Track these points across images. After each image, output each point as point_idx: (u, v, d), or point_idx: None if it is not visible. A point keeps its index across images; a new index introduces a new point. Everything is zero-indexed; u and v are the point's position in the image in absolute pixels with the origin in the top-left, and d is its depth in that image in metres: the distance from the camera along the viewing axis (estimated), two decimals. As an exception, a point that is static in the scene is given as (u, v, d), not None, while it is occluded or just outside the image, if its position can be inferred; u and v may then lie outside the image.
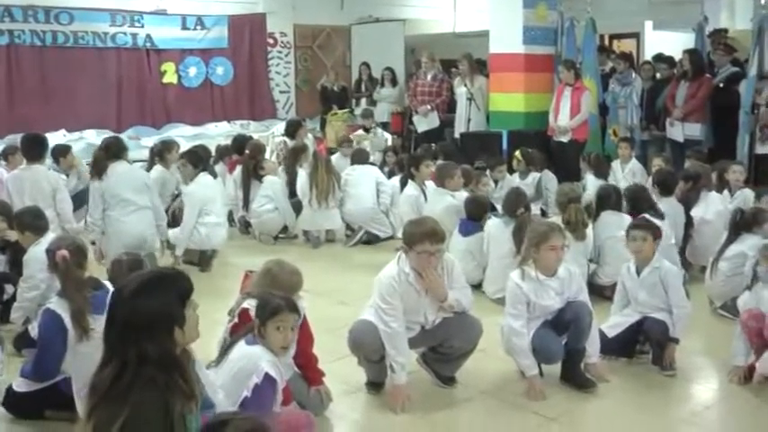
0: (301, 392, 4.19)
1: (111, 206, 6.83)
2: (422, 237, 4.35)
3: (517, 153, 9.38)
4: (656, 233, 5.03)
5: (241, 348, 3.67)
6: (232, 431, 2.54)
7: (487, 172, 8.81)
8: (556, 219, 6.10)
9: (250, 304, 3.99)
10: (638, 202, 6.49)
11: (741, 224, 5.93)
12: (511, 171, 9.42)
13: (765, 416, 4.35)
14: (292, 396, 4.01)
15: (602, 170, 9.12)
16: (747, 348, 4.73)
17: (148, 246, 7.00)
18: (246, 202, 8.81)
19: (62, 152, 9.16)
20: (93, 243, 6.86)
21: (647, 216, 5.74)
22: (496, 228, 6.47)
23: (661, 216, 6.36)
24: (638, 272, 5.03)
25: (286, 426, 3.64)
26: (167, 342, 2.67)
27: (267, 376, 3.52)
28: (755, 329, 4.66)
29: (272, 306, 3.71)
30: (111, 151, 7.05)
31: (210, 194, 7.64)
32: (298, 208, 8.73)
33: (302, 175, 8.70)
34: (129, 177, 7.00)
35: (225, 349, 3.78)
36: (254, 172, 8.80)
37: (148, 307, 2.66)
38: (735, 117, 9.84)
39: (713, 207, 7.11)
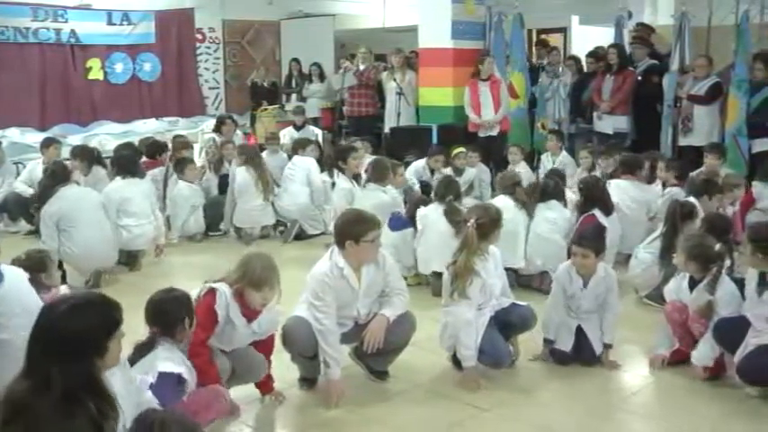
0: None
1: (67, 230, 6.50)
2: (369, 226, 4.41)
3: (461, 148, 9.37)
4: (599, 249, 4.91)
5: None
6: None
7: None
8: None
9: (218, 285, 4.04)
10: (591, 194, 6.62)
11: (682, 216, 5.99)
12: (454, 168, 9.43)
13: (688, 397, 4.51)
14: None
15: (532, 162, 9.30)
16: (670, 339, 4.92)
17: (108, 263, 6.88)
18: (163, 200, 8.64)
19: None
20: None
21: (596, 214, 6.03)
22: (431, 212, 6.55)
23: (608, 212, 6.52)
24: (584, 282, 4.91)
25: (195, 406, 3.62)
26: (89, 366, 2.66)
27: (161, 375, 3.52)
28: (679, 321, 4.82)
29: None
30: (58, 177, 6.82)
31: (126, 195, 7.34)
32: (218, 206, 8.71)
33: (238, 172, 8.49)
34: (81, 199, 6.75)
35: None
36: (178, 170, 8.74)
37: (73, 330, 2.64)
38: (653, 109, 10.10)
39: (634, 195, 7.25)
